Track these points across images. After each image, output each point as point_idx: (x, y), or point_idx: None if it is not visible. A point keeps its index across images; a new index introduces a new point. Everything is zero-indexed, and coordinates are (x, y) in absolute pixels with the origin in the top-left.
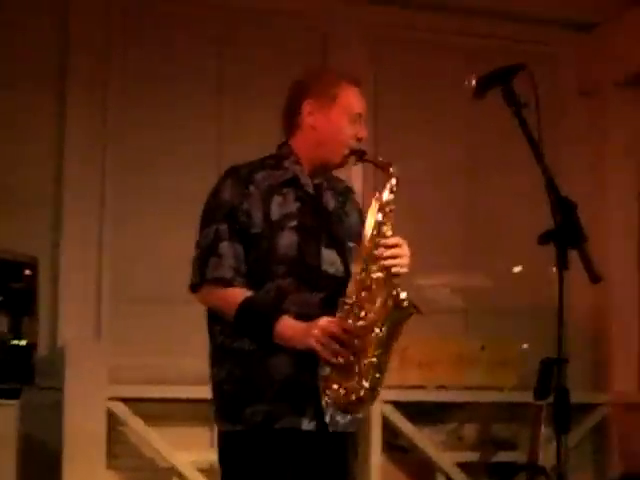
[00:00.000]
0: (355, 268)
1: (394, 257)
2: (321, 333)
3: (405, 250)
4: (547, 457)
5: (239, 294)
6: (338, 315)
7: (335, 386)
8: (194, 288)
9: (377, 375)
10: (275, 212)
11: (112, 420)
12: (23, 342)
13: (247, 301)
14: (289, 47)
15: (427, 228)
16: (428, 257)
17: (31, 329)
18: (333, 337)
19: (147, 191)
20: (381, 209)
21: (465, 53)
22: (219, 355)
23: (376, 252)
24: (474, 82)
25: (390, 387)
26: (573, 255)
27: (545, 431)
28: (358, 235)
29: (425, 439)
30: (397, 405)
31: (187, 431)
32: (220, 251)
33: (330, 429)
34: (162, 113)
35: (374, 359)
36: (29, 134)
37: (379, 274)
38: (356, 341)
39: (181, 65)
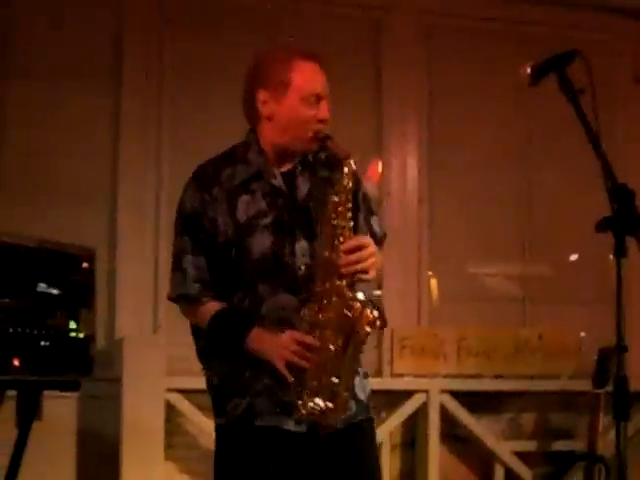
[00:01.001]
0: (316, 279)
1: (355, 263)
2: (282, 350)
3: (367, 252)
4: (606, 446)
5: (208, 310)
6: (300, 329)
7: (308, 402)
8: (171, 300)
9: (345, 394)
10: (242, 214)
11: (170, 411)
12: (81, 334)
13: (214, 319)
14: (342, 36)
15: (484, 216)
16: (485, 245)
17: (89, 321)
18: (294, 353)
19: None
20: (335, 211)
21: (520, 41)
22: (205, 354)
23: (335, 259)
24: (529, 70)
25: (447, 376)
26: (631, 242)
27: (604, 420)
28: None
29: (483, 428)
30: (455, 394)
31: None
32: (184, 265)
33: (321, 432)
34: (217, 103)
35: (335, 379)
36: (85, 126)
37: (339, 282)
38: (317, 357)
39: (235, 55)
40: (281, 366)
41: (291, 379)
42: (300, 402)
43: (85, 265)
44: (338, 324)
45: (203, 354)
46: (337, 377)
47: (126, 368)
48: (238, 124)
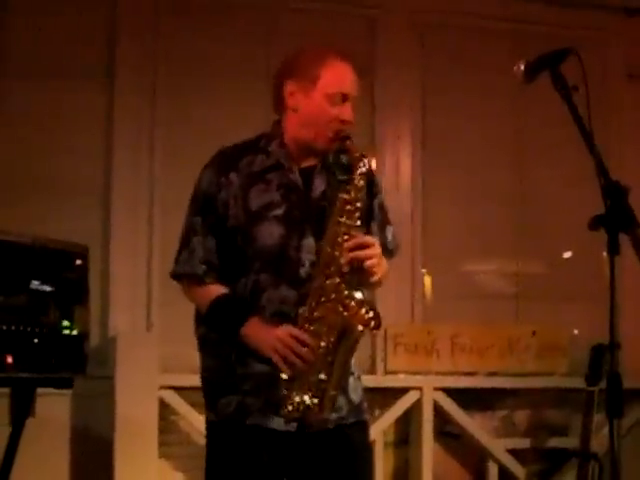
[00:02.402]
0: (316, 275)
1: (357, 260)
2: (277, 342)
3: (371, 251)
4: (599, 443)
5: (210, 293)
6: (298, 324)
7: (295, 397)
8: (174, 278)
9: (332, 393)
10: (254, 202)
11: (163, 409)
12: (75, 332)
13: (216, 303)
14: (337, 33)
15: (477, 213)
16: (478, 243)
17: (83, 319)
18: (289, 348)
19: (196, 178)
20: (343, 209)
21: (513, 38)
22: (202, 346)
23: (337, 256)
24: (522, 67)
25: (441, 374)
26: (624, 240)
27: (597, 417)
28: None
29: (476, 426)
30: (448, 392)
31: None
32: (192, 245)
33: (309, 430)
34: (211, 100)
35: (323, 375)
36: (78, 123)
37: (339, 280)
38: (310, 354)
39: (229, 52)
40: (277, 358)
41: (286, 371)
42: (286, 398)
43: (78, 262)
44: (332, 321)
45: (200, 345)
46: (326, 374)
47: (119, 366)
48: (232, 120)
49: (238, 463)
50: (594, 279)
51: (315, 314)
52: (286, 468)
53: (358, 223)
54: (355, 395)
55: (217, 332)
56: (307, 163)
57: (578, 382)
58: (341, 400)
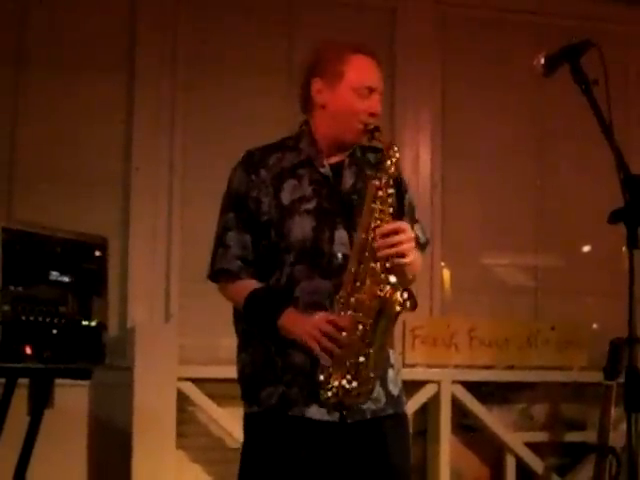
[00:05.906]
0: (350, 260)
1: (392, 246)
2: (314, 330)
3: (406, 235)
4: (617, 437)
5: (246, 287)
6: (334, 311)
7: (334, 382)
8: (211, 279)
9: (371, 375)
10: (286, 196)
11: (181, 400)
12: (94, 323)
13: (252, 296)
14: (357, 24)
15: (496, 207)
16: (497, 237)
17: (101, 310)
18: (325, 334)
19: (215, 170)
20: (376, 195)
21: (535, 31)
22: (243, 341)
23: (371, 241)
24: (542, 60)
25: (459, 367)
26: None
27: (615, 411)
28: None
29: (494, 419)
30: (466, 385)
31: None
32: (227, 241)
33: (349, 420)
34: (231, 92)
35: (362, 358)
36: (97, 114)
37: (374, 265)
38: (348, 338)
39: (249, 44)
40: (314, 345)
41: (324, 357)
42: (325, 383)
43: (98, 253)
44: (369, 304)
45: (241, 341)
46: (365, 357)
47: (138, 357)
48: (252, 113)
49: (279, 453)
50: (613, 273)
51: (351, 299)
52: (326, 459)
53: (390, 210)
54: (394, 387)
55: (255, 326)
56: (336, 159)
57: (596, 376)
58: (380, 391)
